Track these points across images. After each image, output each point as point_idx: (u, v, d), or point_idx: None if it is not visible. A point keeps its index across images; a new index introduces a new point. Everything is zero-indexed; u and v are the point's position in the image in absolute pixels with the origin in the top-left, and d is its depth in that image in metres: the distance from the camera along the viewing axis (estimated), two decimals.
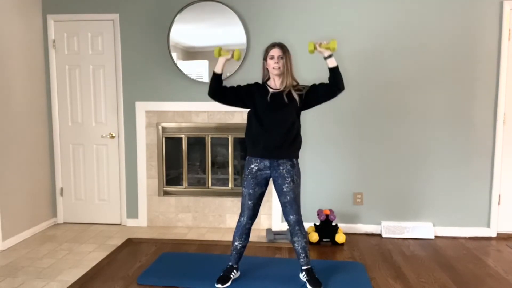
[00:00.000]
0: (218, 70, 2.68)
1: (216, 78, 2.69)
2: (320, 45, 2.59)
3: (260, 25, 3.81)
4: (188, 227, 4.07)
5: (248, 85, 2.74)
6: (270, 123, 2.62)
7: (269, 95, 2.63)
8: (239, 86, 2.74)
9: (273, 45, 2.65)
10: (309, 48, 2.61)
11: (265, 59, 2.68)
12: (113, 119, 4.07)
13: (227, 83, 2.76)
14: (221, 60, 2.68)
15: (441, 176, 3.80)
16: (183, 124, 4.01)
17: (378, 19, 3.73)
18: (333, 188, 3.90)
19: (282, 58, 2.61)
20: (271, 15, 3.75)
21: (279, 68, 2.60)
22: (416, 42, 3.72)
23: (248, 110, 2.74)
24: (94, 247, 3.50)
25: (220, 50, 2.68)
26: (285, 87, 2.62)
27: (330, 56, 2.58)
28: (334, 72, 2.60)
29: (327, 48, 2.58)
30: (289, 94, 2.62)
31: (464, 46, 3.70)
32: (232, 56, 2.68)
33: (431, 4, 3.69)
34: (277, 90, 2.65)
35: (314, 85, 2.69)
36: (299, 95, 2.64)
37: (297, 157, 2.71)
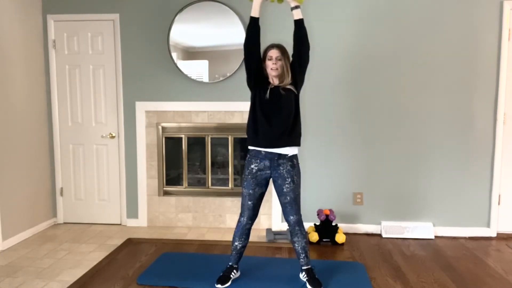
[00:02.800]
0: (254, 13, 2.59)
1: (252, 23, 2.58)
2: None
3: (260, 25, 3.79)
4: (188, 227, 4.07)
5: (262, 70, 2.69)
6: (270, 113, 2.61)
7: (268, 90, 2.62)
8: (260, 64, 2.68)
9: (271, 46, 2.65)
10: None
11: (263, 60, 2.68)
12: (113, 119, 4.07)
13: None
14: (257, 1, 2.58)
15: (441, 176, 3.80)
16: (183, 124, 4.01)
17: (378, 20, 3.73)
18: (333, 188, 3.90)
19: (280, 59, 2.61)
20: (272, 15, 3.74)
21: (277, 69, 2.61)
22: (415, 42, 3.72)
23: (250, 99, 2.71)
24: (94, 247, 3.50)
25: None
26: (284, 85, 2.63)
27: (296, 7, 2.60)
28: (299, 24, 2.62)
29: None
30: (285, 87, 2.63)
31: (464, 46, 3.70)
32: None
33: (431, 4, 3.69)
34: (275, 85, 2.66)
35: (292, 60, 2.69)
36: (294, 84, 2.64)
37: (298, 144, 2.68)
